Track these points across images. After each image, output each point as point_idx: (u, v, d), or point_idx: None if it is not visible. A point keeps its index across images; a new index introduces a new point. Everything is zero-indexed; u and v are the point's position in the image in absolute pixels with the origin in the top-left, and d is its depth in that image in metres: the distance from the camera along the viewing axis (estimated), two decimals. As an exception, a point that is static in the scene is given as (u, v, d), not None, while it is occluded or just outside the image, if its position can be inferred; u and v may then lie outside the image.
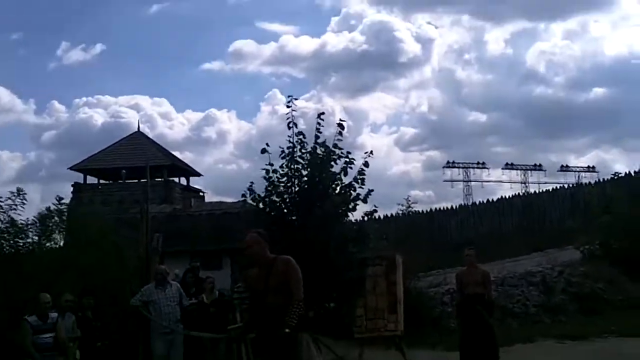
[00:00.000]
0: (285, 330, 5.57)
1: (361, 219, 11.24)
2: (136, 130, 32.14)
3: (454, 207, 30.33)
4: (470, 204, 33.03)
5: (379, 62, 72.18)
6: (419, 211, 27.11)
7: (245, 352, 9.01)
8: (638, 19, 77.57)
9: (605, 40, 75.92)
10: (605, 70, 69.37)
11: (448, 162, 48.68)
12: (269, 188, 10.51)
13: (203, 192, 32.04)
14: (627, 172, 26.24)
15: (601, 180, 28.28)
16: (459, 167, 48.02)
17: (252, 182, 10.62)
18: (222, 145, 77.31)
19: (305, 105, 65.04)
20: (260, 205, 10.62)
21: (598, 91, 75.00)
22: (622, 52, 73.17)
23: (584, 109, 68.41)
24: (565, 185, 30.89)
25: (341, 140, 10.79)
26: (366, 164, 10.74)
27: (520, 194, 31.65)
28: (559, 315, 15.43)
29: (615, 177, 26.06)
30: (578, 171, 46.75)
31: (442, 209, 29.67)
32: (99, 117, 67.59)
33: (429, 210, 29.23)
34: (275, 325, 5.80)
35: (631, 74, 68.00)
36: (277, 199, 10.57)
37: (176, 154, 34.13)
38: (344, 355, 10.46)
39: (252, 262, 5.96)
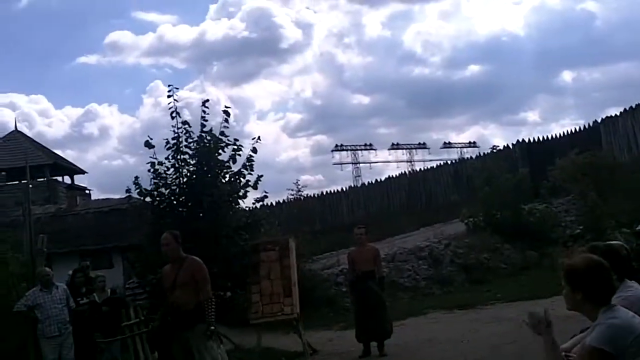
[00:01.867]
0: (210, 328, 6.29)
1: (252, 205, 11.26)
2: (13, 129, 30.53)
3: (344, 189, 30.85)
4: (359, 185, 33.68)
5: (260, 48, 71.94)
6: (310, 195, 27.43)
7: (142, 347, 8.87)
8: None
9: (478, 19, 79.11)
10: (479, 48, 72.46)
11: (336, 146, 49.36)
12: (156, 180, 10.31)
13: (89, 190, 30.90)
14: (505, 145, 27.59)
15: (481, 154, 29.60)
16: (347, 150, 48.82)
17: (137, 177, 10.37)
18: (106, 141, 74.83)
19: (189, 95, 63.94)
20: (148, 198, 10.40)
21: (473, 69, 78.21)
22: (494, 29, 76.59)
23: (461, 87, 71.18)
24: (449, 162, 32.04)
25: (227, 127, 10.75)
26: (254, 150, 10.76)
27: (406, 172, 32.60)
28: (448, 286, 16.13)
29: (494, 151, 27.38)
30: (460, 147, 48.71)
31: (332, 191, 30.13)
32: (-29, 118, 63.60)
33: (319, 193, 29.60)
34: (179, 320, 6.08)
35: (503, 51, 71.41)
36: (165, 191, 10.38)
37: (58, 152, 32.69)
38: (241, 342, 10.52)
39: (166, 259, 6.63)
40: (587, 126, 26.06)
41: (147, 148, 10.31)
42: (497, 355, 8.76)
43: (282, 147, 79.15)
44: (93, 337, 9.88)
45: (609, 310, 3.18)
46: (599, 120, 25.46)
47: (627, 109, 24.00)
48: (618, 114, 24.59)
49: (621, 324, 3.11)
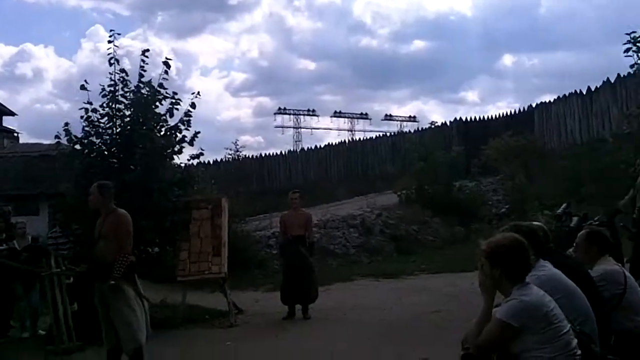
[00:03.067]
0: (110, 282, 6.13)
1: (187, 162, 11.09)
2: (-61, 63, 29.08)
3: (283, 153, 30.85)
4: (299, 149, 33.70)
5: (208, 2, 70.52)
6: (248, 156, 27.31)
7: (61, 298, 8.69)
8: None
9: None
10: (426, 24, 73.01)
11: (279, 109, 49.37)
12: (88, 128, 9.99)
13: (17, 133, 29.89)
14: (443, 122, 28.01)
15: (420, 129, 29.98)
16: (289, 114, 48.83)
17: (67, 122, 10.00)
18: (40, 83, 72.38)
19: (131, 43, 62.13)
20: (78, 146, 10.08)
21: (419, 44, 78.74)
22: (442, 7, 77.16)
23: (406, 61, 71.86)
24: (388, 134, 32.38)
25: (167, 80, 10.45)
26: (193, 105, 10.51)
27: (346, 141, 32.76)
28: (377, 255, 16.41)
29: (433, 127, 27.76)
30: (400, 120, 49.29)
31: (271, 154, 30.10)
32: None
33: (258, 155, 29.53)
34: (98, 273, 5.98)
35: (450, 29, 72.17)
36: (97, 140, 10.09)
37: (-13, 91, 31.38)
38: (166, 298, 10.47)
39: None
40: (522, 110, 26.72)
41: (82, 91, 9.97)
42: (418, 323, 8.98)
43: (224, 106, 78.39)
44: (10, 284, 9.65)
45: (522, 287, 3.29)
46: (534, 106, 26.14)
47: (560, 96, 24.71)
48: (552, 100, 25.30)
49: (531, 300, 3.23)
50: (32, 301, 9.70)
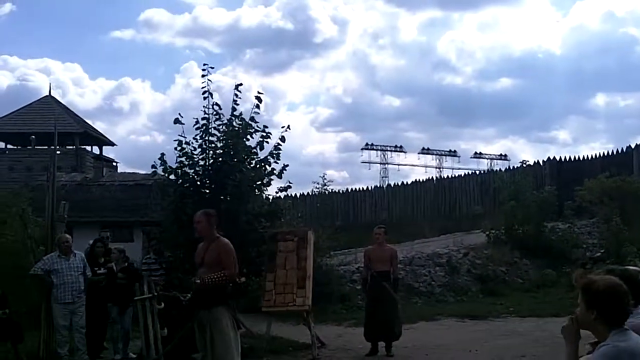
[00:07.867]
0: (195, 280, 6.46)
1: (275, 194, 11.31)
2: (47, 94, 30.83)
3: (369, 188, 30.83)
4: (385, 186, 33.59)
5: (294, 40, 72.14)
6: (334, 190, 27.42)
7: (152, 322, 8.94)
8: (546, 15, 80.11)
9: (515, 33, 78.30)
10: (513, 61, 71.78)
11: (367, 144, 49.45)
12: (182, 159, 10.38)
13: (116, 163, 31.24)
14: (535, 161, 27.25)
15: (511, 167, 29.29)
16: (376, 150, 48.84)
17: (163, 153, 10.45)
18: (136, 116, 75.69)
19: (221, 79, 64.14)
20: (172, 176, 10.47)
21: (506, 82, 77.47)
22: (530, 45, 75.77)
23: (492, 99, 70.84)
24: (477, 172, 31.82)
25: (258, 113, 10.76)
26: (282, 139, 10.76)
27: (434, 178, 32.39)
28: (462, 295, 16.05)
29: (524, 166, 27.04)
30: (490, 158, 48.29)
31: (357, 189, 30.13)
32: (4, 79, 64.58)
33: (345, 190, 29.63)
34: (201, 300, 6.47)
35: (537, 67, 70.65)
36: (190, 171, 10.45)
37: (88, 122, 33.02)
38: (250, 328, 10.57)
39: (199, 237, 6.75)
40: (620, 150, 25.68)
41: (175, 125, 10.37)
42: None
43: (310, 141, 79.42)
44: (106, 307, 10.02)
45: (620, 332, 3.14)
46: (632, 146, 25.07)
47: (663, 137, 23.61)
48: (653, 141, 24.18)
49: (628, 347, 3.07)
50: (125, 324, 10.03)
